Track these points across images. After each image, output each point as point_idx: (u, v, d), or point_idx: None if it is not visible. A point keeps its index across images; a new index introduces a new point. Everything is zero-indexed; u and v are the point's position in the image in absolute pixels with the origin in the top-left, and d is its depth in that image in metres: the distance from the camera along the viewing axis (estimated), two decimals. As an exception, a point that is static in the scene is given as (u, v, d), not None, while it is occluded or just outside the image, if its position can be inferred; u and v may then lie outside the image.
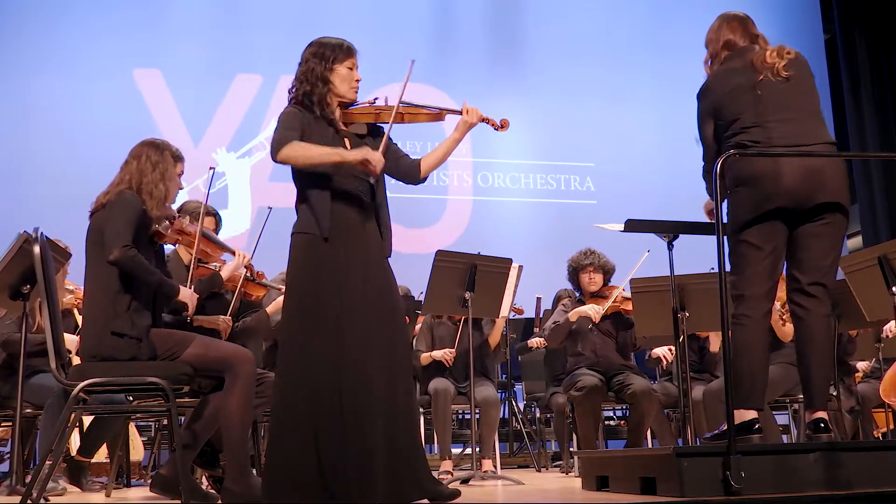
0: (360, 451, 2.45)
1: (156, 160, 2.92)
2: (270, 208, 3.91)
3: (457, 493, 2.63)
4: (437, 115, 2.75)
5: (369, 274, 2.59)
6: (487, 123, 2.75)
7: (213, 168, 3.37)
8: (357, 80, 2.69)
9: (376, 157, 2.54)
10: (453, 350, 4.76)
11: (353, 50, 2.71)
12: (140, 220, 2.83)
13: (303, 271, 2.58)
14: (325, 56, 2.65)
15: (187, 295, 2.94)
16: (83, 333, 2.83)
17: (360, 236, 2.61)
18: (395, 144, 2.78)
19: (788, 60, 2.81)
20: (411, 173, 2.78)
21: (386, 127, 2.70)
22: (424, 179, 2.81)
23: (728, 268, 2.76)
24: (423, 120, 2.76)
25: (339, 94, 2.67)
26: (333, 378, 2.48)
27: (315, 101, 2.64)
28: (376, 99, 2.71)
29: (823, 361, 2.72)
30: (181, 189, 3.03)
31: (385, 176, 2.73)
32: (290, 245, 2.63)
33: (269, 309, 3.97)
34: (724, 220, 2.66)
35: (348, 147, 2.63)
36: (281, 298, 3.96)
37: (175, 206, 3.29)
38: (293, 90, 2.69)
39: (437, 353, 4.76)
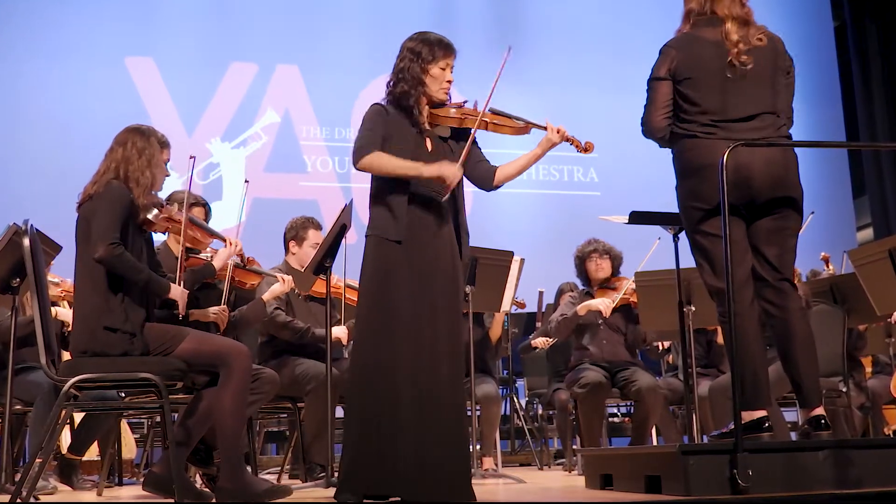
0: (432, 450, 2.47)
1: (142, 146, 2.86)
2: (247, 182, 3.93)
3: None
4: (523, 129, 2.73)
5: (440, 279, 2.59)
6: (571, 144, 2.72)
7: (194, 157, 3.32)
8: (449, 82, 2.67)
9: (452, 172, 2.56)
10: None
11: (451, 48, 2.68)
12: (128, 211, 2.79)
13: (376, 274, 2.59)
14: (421, 55, 2.63)
15: (178, 293, 2.89)
16: (74, 329, 2.78)
17: (433, 240, 2.61)
18: (478, 147, 2.76)
19: (754, 45, 2.68)
20: (486, 180, 2.77)
21: (470, 131, 2.69)
22: (495, 188, 2.81)
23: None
24: (508, 132, 2.74)
25: (430, 94, 2.65)
26: (407, 380, 2.49)
27: (410, 103, 2.63)
28: (465, 102, 2.69)
29: (810, 358, 2.65)
30: (167, 176, 2.97)
31: (463, 179, 2.72)
32: (364, 246, 2.64)
33: (265, 296, 3.90)
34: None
35: (429, 148, 2.63)
36: (277, 286, 3.91)
37: (163, 195, 3.24)
38: (391, 85, 2.67)
39: None
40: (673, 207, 2.88)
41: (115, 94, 6.93)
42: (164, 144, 2.93)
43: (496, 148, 2.92)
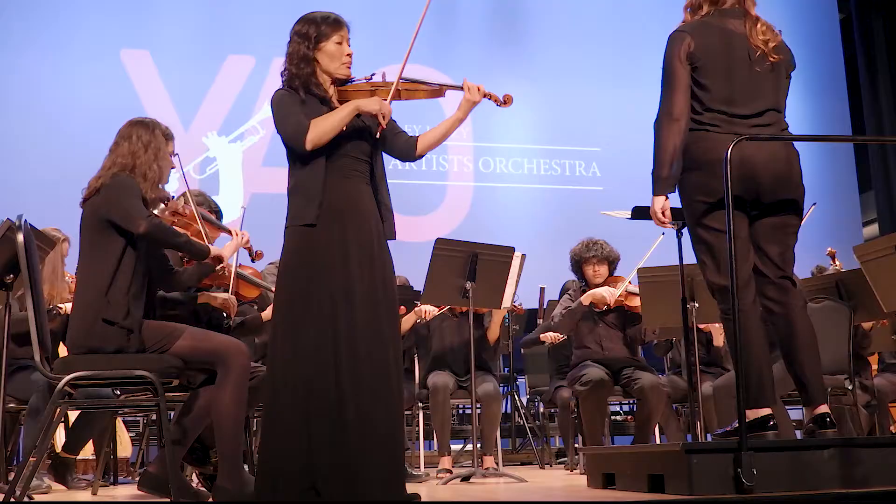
0: (348, 448, 2.38)
1: (147, 140, 2.83)
2: (244, 209, 3.80)
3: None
4: (437, 91, 2.66)
5: (364, 260, 2.50)
6: (490, 99, 2.65)
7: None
8: (348, 55, 2.59)
9: (385, 105, 2.48)
10: (436, 309, 4.58)
11: (340, 23, 2.60)
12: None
13: (292, 261, 2.50)
14: (308, 35, 2.56)
15: (219, 249, 2.89)
16: (72, 322, 2.75)
17: (356, 220, 2.51)
18: (392, 119, 2.68)
19: (777, 44, 2.67)
20: (406, 151, 2.68)
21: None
22: (419, 158, 2.72)
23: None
24: (423, 96, 2.67)
25: (329, 72, 2.58)
26: (323, 371, 2.41)
27: (299, 84, 2.55)
28: (373, 75, 2.62)
29: (813, 356, 2.62)
30: (173, 168, 2.94)
31: (382, 154, 2.66)
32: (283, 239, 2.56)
33: (264, 314, 3.83)
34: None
35: (343, 127, 2.53)
36: None
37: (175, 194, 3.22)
38: (284, 72, 2.60)
39: (420, 308, 4.56)
40: (677, 202, 2.83)
41: (110, 87, 6.89)
42: (168, 136, 2.91)
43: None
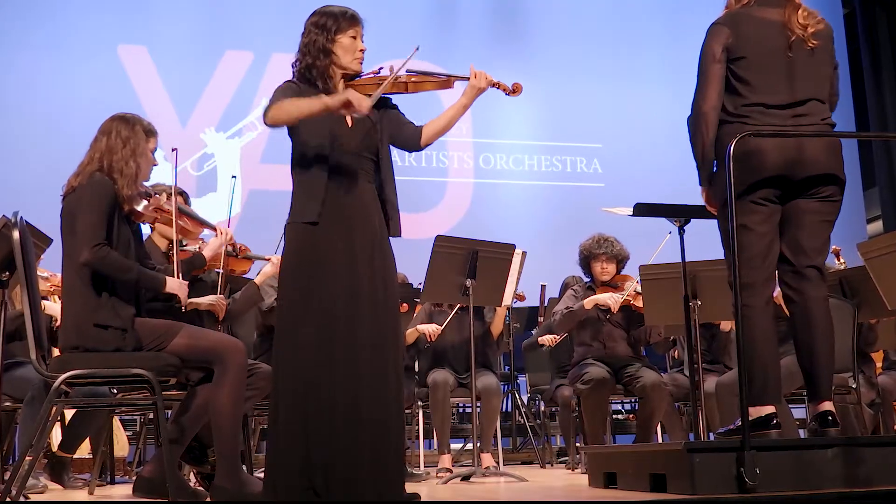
0: (347, 448, 2.36)
1: (126, 136, 2.80)
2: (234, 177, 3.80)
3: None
4: (445, 82, 2.64)
5: (365, 259, 2.48)
6: (498, 88, 2.62)
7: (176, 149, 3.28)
8: (361, 51, 2.57)
9: (357, 96, 2.39)
10: (440, 328, 4.61)
11: (357, 18, 2.59)
12: (113, 204, 2.73)
13: (293, 259, 2.48)
14: (326, 26, 2.54)
15: (175, 285, 2.84)
16: (63, 325, 2.73)
17: (359, 219, 2.49)
18: (400, 111, 2.67)
19: (817, 29, 2.64)
20: (412, 140, 2.66)
21: (391, 97, 2.60)
22: (424, 147, 2.70)
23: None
24: (430, 88, 2.64)
25: (342, 65, 2.55)
26: (323, 370, 2.39)
27: (317, 75, 2.54)
28: (381, 69, 2.60)
29: (827, 348, 2.59)
30: (155, 165, 2.91)
31: (390, 151, 2.62)
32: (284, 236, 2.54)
33: (256, 280, 3.84)
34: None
35: (349, 122, 2.52)
36: (268, 267, 3.85)
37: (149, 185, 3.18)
38: (296, 63, 2.59)
39: (423, 327, 4.61)
40: (679, 199, 2.81)
41: (107, 83, 6.87)
42: (149, 133, 2.87)
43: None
